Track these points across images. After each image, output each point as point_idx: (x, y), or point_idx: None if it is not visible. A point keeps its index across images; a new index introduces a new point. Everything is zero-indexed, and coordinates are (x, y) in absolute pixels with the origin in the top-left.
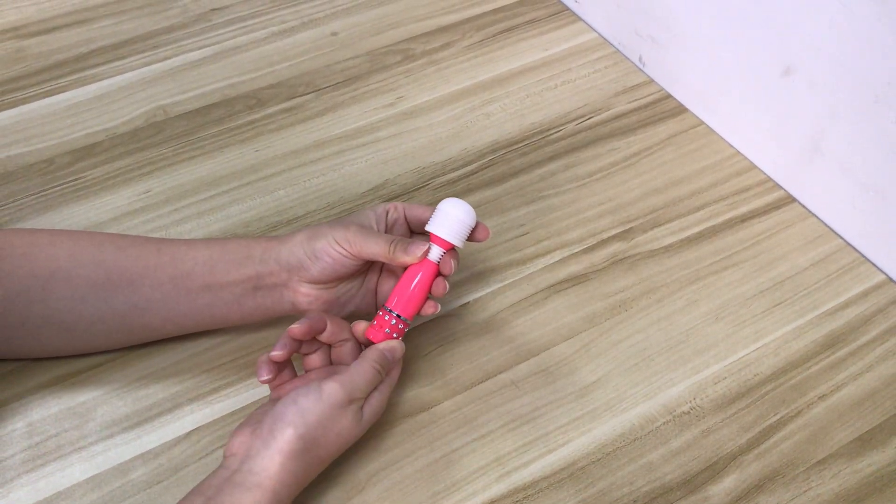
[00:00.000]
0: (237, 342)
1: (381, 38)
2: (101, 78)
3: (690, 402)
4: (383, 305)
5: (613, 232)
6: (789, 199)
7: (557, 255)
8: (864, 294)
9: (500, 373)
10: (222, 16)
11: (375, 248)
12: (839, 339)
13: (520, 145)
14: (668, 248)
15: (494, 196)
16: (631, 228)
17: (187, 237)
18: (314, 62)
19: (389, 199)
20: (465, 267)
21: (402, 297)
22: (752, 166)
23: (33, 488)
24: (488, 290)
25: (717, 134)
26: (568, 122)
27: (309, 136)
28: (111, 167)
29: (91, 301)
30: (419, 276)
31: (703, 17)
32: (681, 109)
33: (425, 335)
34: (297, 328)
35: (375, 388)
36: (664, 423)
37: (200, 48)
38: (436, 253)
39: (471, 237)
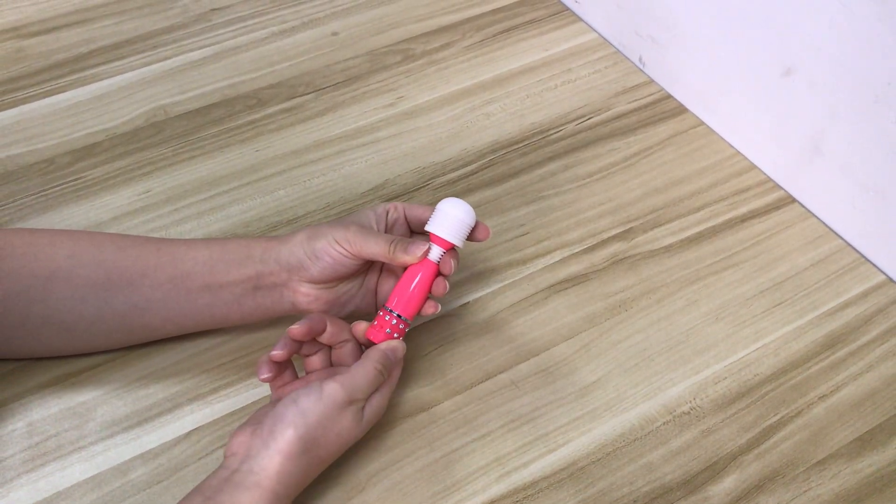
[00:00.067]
0: (237, 342)
1: (381, 38)
2: (101, 78)
3: (690, 402)
4: (383, 305)
5: (613, 232)
6: (789, 200)
7: (557, 255)
8: (864, 294)
9: (500, 373)
10: (222, 16)
11: (375, 248)
12: (839, 340)
13: (520, 145)
14: (668, 249)
15: (494, 196)
16: (631, 228)
17: (187, 237)
18: (314, 62)
19: (389, 199)
20: (465, 267)
21: (403, 297)
22: (752, 166)
23: (33, 488)
24: (488, 290)
25: (717, 134)
26: (568, 123)
27: (309, 136)
28: (111, 167)
29: (91, 301)
30: (419, 276)
31: (703, 17)
32: (681, 109)
33: (425, 335)
34: (296, 329)
35: (376, 389)
36: (664, 423)
37: (200, 48)
38: (436, 253)
39: (471, 237)
